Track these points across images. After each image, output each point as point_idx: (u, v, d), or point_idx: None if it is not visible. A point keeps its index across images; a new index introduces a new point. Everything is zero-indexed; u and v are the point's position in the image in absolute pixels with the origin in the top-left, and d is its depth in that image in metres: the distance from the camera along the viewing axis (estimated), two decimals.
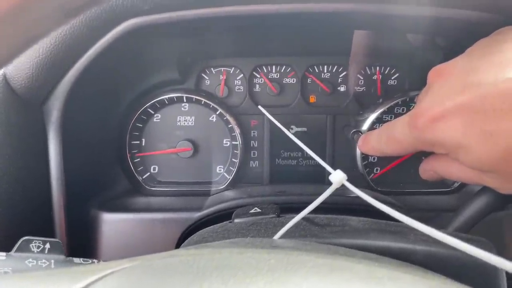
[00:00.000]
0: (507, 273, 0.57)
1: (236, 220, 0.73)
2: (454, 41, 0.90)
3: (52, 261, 0.59)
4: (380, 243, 0.58)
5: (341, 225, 0.67)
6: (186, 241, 0.72)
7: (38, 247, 0.59)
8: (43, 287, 0.37)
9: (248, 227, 0.67)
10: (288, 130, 1.13)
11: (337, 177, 0.62)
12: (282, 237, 0.61)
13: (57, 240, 0.60)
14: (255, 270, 0.37)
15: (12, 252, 0.58)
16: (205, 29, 0.78)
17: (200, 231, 0.74)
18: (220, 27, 0.76)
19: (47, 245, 0.59)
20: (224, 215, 0.89)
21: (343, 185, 0.65)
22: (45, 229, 0.83)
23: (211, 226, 0.74)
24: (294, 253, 0.41)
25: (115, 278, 0.39)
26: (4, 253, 0.57)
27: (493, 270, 0.56)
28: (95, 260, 0.63)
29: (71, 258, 0.61)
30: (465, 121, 0.55)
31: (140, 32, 0.69)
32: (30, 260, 0.57)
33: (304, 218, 0.69)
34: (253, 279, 0.35)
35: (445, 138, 0.58)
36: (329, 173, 0.65)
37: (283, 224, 0.66)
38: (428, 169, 0.76)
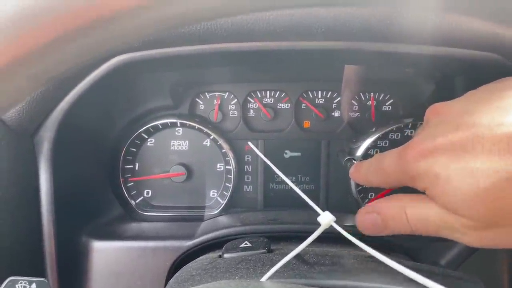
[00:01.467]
0: None
1: (226, 255, 0.72)
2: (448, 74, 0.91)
3: None
4: (369, 286, 0.58)
5: (331, 263, 0.66)
6: (174, 277, 0.71)
7: (24, 287, 0.59)
8: None
9: (237, 265, 0.67)
10: (282, 155, 1.13)
11: (326, 219, 0.61)
12: (270, 277, 0.60)
13: (43, 279, 0.60)
14: None
15: None
16: (198, 64, 0.78)
17: (188, 266, 0.73)
18: (212, 62, 0.77)
19: (33, 285, 0.59)
20: (215, 244, 0.88)
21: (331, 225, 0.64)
22: (35, 261, 0.83)
23: (200, 261, 0.74)
24: None
25: None
26: None
27: None
28: None
29: None
30: (452, 156, 0.55)
31: (130, 67, 0.69)
32: None
33: (294, 257, 0.69)
34: None
35: (427, 171, 0.58)
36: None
37: (272, 262, 0.66)
38: (378, 210, 0.68)
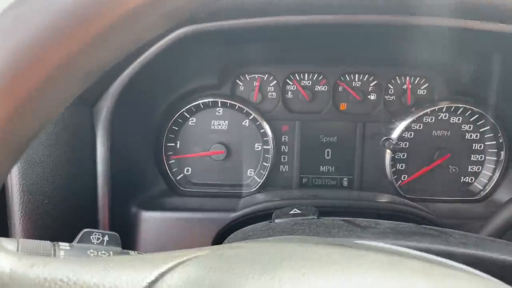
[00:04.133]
0: None
1: (277, 221, 0.76)
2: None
3: (111, 252, 0.62)
4: (424, 245, 0.61)
5: (382, 228, 0.69)
6: (229, 237, 0.75)
7: (98, 239, 0.63)
8: (128, 270, 0.40)
9: (292, 227, 0.70)
10: (319, 138, 1.16)
11: None
12: (328, 236, 0.64)
13: (114, 233, 0.64)
14: (326, 262, 0.40)
15: (74, 243, 0.61)
16: (250, 38, 0.82)
17: (242, 229, 0.77)
18: (265, 36, 0.80)
19: (106, 237, 0.63)
20: (259, 217, 0.92)
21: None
22: (89, 225, 0.87)
23: (252, 225, 0.77)
24: (357, 250, 0.44)
25: (192, 264, 0.42)
26: (67, 244, 0.60)
27: None
28: (147, 253, 0.66)
29: (127, 251, 0.64)
30: None
31: (193, 39, 0.73)
32: (91, 250, 0.61)
33: (344, 220, 0.72)
34: (325, 270, 0.38)
35: None
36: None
37: (326, 226, 0.69)
38: None
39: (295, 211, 0.79)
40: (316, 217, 0.76)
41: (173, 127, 1.13)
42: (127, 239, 0.97)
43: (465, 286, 0.40)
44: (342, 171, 1.17)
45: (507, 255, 0.61)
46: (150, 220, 0.97)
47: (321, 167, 1.17)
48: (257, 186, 1.15)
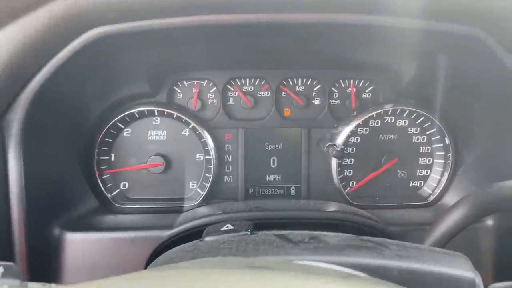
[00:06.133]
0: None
1: (207, 239, 0.70)
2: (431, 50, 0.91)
3: (5, 286, 0.54)
4: (355, 260, 0.56)
5: (316, 241, 0.64)
6: (153, 262, 0.68)
7: None
8: None
9: (219, 246, 0.64)
10: (263, 146, 1.11)
11: None
12: (255, 254, 0.58)
13: (11, 263, 0.56)
14: None
15: None
16: (175, 40, 0.76)
17: (168, 251, 0.70)
18: (190, 38, 0.74)
19: (0, 269, 0.55)
20: (196, 233, 0.85)
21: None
22: (3, 251, 0.78)
23: (180, 246, 0.71)
24: (268, 274, 0.38)
25: None
26: None
27: (470, 285, 0.55)
28: (53, 284, 0.58)
29: (26, 283, 0.56)
30: None
31: (108, 41, 0.66)
32: None
33: (277, 235, 0.67)
34: None
35: None
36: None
37: (255, 243, 0.64)
38: None
39: (228, 227, 0.72)
40: (249, 233, 0.70)
41: (106, 139, 1.05)
42: (49, 265, 0.88)
43: None
44: (289, 180, 1.12)
45: (444, 266, 0.57)
46: (76, 242, 0.89)
47: (267, 176, 1.12)
48: (200, 199, 1.08)
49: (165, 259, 0.64)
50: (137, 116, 1.05)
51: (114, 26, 0.64)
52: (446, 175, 1.10)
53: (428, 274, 0.56)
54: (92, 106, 1.00)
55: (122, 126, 1.05)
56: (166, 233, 0.90)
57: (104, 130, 1.03)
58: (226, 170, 1.11)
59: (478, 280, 0.55)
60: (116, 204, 1.05)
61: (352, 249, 0.60)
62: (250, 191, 1.12)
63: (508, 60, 0.76)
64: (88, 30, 0.65)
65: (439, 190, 1.11)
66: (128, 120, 1.05)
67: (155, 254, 0.88)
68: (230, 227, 0.73)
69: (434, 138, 1.11)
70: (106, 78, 0.96)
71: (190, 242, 0.72)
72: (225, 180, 1.12)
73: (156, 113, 1.05)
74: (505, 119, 0.90)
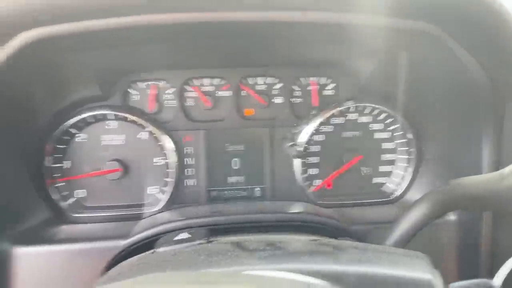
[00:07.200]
0: None
1: (159, 250, 0.66)
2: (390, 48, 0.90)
3: None
4: (311, 267, 0.54)
5: (272, 248, 0.62)
6: (101, 278, 0.64)
7: None
8: None
9: (171, 258, 0.61)
10: (225, 147, 1.08)
11: None
12: (207, 266, 0.55)
13: None
14: None
15: None
16: (120, 41, 0.72)
17: (120, 264, 0.66)
18: (135, 39, 0.70)
19: None
20: (153, 242, 0.82)
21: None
22: None
23: (131, 258, 0.67)
24: None
25: None
26: None
27: (428, 286, 0.54)
28: None
29: None
30: None
31: (45, 44, 0.61)
32: None
33: (233, 243, 0.64)
34: None
35: None
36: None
37: (208, 253, 0.61)
38: None
39: (182, 236, 0.69)
40: (205, 241, 0.67)
41: (58, 146, 0.99)
42: None
43: None
44: (252, 181, 1.10)
45: (401, 269, 0.55)
46: (27, 257, 0.83)
47: (229, 178, 1.09)
48: (161, 205, 1.04)
49: (113, 275, 0.61)
50: (90, 120, 1.00)
51: (47, 28, 0.59)
52: (409, 170, 1.10)
53: (385, 278, 0.54)
54: (41, 111, 0.94)
55: (75, 132, 1.00)
56: (122, 243, 0.85)
57: (54, 136, 0.97)
58: (186, 173, 1.07)
59: (436, 280, 0.54)
60: (72, 214, 1.00)
61: (308, 255, 0.58)
62: (213, 194, 1.09)
63: (464, 57, 0.75)
64: (19, 34, 0.60)
65: (403, 186, 1.10)
66: (81, 125, 1.00)
67: (109, 266, 0.84)
68: (186, 235, 0.70)
69: (396, 134, 1.10)
70: (54, 81, 0.90)
71: (142, 254, 0.68)
72: (186, 184, 1.08)
73: (109, 117, 1.01)
74: (461, 114, 0.90)
